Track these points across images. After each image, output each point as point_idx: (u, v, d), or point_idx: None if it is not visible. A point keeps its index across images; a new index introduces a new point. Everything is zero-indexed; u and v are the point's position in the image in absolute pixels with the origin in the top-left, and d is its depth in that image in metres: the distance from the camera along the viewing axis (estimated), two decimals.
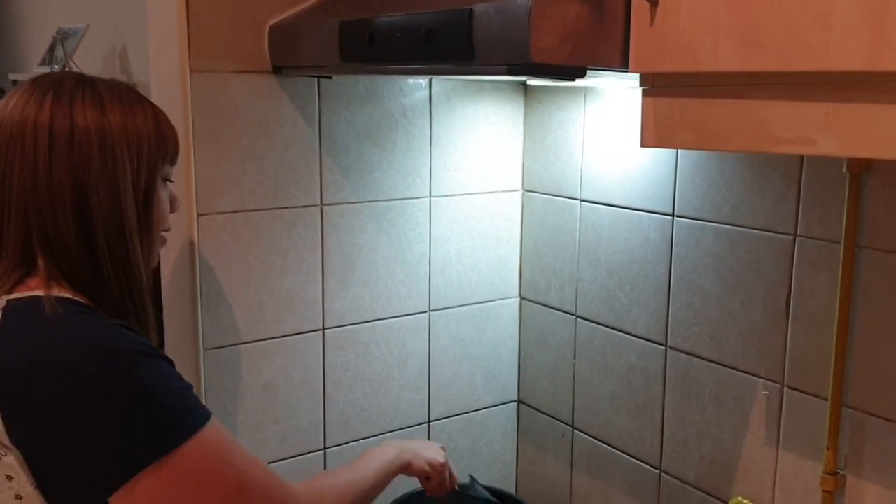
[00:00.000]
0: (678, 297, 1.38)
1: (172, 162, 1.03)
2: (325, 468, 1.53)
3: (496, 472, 1.75)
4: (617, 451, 1.53)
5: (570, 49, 0.88)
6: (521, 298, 1.72)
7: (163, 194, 1.01)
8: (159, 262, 1.20)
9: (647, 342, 1.45)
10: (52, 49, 3.20)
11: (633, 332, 1.47)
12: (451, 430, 1.68)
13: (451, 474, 1.32)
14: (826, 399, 1.17)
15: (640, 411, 1.47)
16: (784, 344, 1.23)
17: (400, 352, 1.59)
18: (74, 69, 3.06)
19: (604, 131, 1.49)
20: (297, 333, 1.47)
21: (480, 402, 1.71)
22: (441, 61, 0.98)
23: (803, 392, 1.21)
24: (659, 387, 1.43)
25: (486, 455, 1.74)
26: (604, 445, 1.55)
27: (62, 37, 3.15)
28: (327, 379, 1.51)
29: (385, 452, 1.21)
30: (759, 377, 1.27)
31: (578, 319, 1.58)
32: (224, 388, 1.41)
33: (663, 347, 1.42)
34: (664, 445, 1.44)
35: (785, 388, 1.24)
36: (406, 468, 1.24)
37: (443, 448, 1.32)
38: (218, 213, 1.36)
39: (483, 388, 1.71)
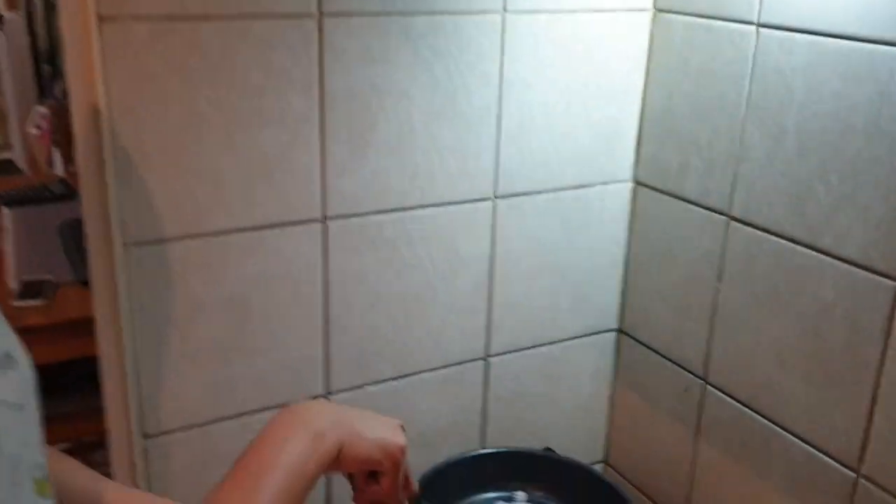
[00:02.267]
0: None
1: None
2: None
3: (580, 428, 1.22)
4: (781, 431, 0.97)
5: None
6: (636, 183, 1.12)
7: None
8: None
9: (859, 270, 0.85)
10: None
11: (836, 253, 0.87)
12: (518, 368, 1.14)
13: (407, 476, 0.82)
14: None
15: (834, 380, 0.90)
16: None
17: (447, 257, 1.03)
18: None
19: None
20: (281, 224, 0.92)
21: (564, 331, 1.16)
22: None
23: None
24: (875, 347, 0.85)
25: (568, 404, 1.20)
26: (757, 417, 0.99)
27: None
28: (332, 294, 0.97)
29: (299, 436, 0.71)
30: None
31: (733, 223, 0.99)
32: (160, 302, 0.88)
33: (893, 283, 0.83)
34: (870, 440, 0.87)
35: None
36: (337, 462, 0.73)
37: (401, 426, 0.80)
38: (136, 17, 0.80)
39: (569, 311, 1.15)
